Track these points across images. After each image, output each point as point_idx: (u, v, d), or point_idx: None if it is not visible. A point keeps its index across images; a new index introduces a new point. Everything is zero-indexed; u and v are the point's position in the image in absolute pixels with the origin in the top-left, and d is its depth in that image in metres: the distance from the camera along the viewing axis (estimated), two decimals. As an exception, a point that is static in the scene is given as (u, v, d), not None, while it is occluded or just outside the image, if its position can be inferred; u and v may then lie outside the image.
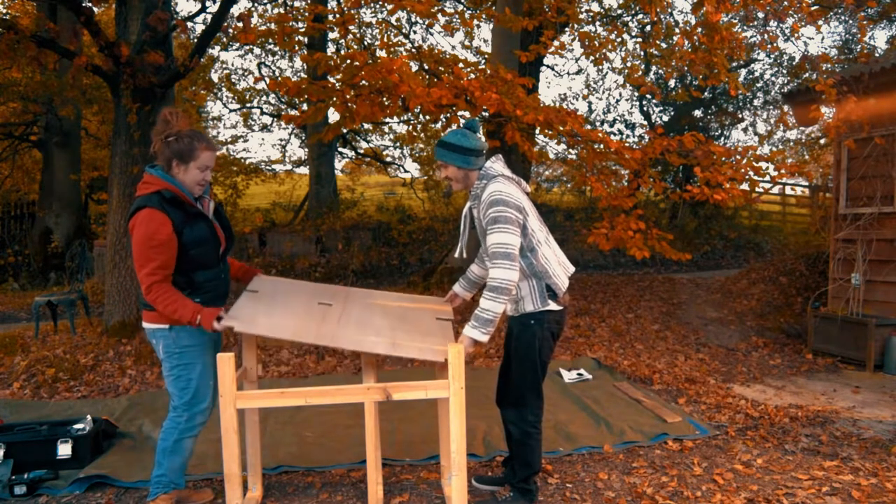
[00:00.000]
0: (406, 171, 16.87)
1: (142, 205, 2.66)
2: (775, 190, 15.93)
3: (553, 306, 2.88)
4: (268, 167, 17.43)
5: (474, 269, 3.25)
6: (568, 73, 28.63)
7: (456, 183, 2.93)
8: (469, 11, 10.32)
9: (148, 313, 2.84)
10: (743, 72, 14.40)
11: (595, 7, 12.68)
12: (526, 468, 2.99)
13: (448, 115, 5.78)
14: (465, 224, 3.07)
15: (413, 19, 13.43)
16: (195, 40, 6.91)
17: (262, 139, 62.76)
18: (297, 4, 11.60)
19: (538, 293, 2.85)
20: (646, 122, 15.55)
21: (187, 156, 2.70)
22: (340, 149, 17.83)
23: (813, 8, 7.32)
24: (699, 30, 6.03)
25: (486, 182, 2.85)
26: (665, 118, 14.90)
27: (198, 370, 2.84)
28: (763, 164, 6.43)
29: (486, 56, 11.39)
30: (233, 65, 32.71)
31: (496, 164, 2.92)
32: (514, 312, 2.95)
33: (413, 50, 7.30)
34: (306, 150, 16.98)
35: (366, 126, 17.02)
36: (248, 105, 16.88)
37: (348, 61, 5.24)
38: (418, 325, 2.91)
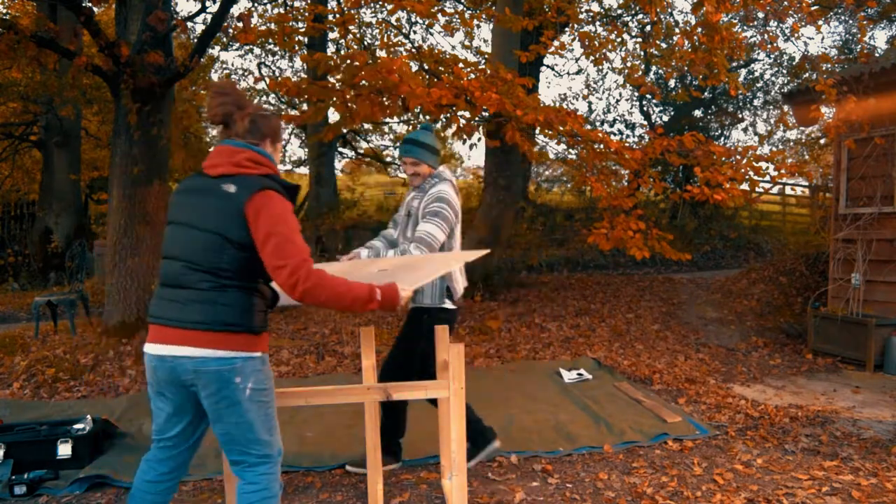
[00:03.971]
0: (406, 171, 16.84)
1: (267, 186, 2.02)
2: (775, 190, 15.90)
3: (449, 305, 3.26)
4: (267, 167, 17.37)
5: (385, 239, 3.45)
6: (568, 73, 28.75)
7: (418, 178, 3.28)
8: (469, 11, 10.31)
9: (218, 336, 1.97)
10: (743, 72, 14.39)
11: (595, 7, 12.68)
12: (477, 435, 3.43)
13: (448, 115, 5.78)
14: (405, 211, 3.35)
15: (413, 19, 13.43)
16: (195, 40, 6.91)
17: (262, 139, 62.54)
18: (297, 4, 11.59)
19: (438, 291, 3.22)
20: (646, 122, 15.55)
21: (278, 135, 2.17)
22: (340, 149, 17.84)
23: (813, 8, 7.31)
24: (699, 30, 6.02)
25: (439, 181, 3.25)
26: (665, 118, 14.89)
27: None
28: (763, 164, 6.43)
29: (486, 56, 11.38)
30: (233, 65, 32.78)
31: (447, 171, 3.34)
32: (412, 303, 3.30)
33: (413, 50, 7.29)
34: (306, 149, 16.99)
35: (366, 126, 17.03)
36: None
37: (348, 61, 5.24)
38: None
